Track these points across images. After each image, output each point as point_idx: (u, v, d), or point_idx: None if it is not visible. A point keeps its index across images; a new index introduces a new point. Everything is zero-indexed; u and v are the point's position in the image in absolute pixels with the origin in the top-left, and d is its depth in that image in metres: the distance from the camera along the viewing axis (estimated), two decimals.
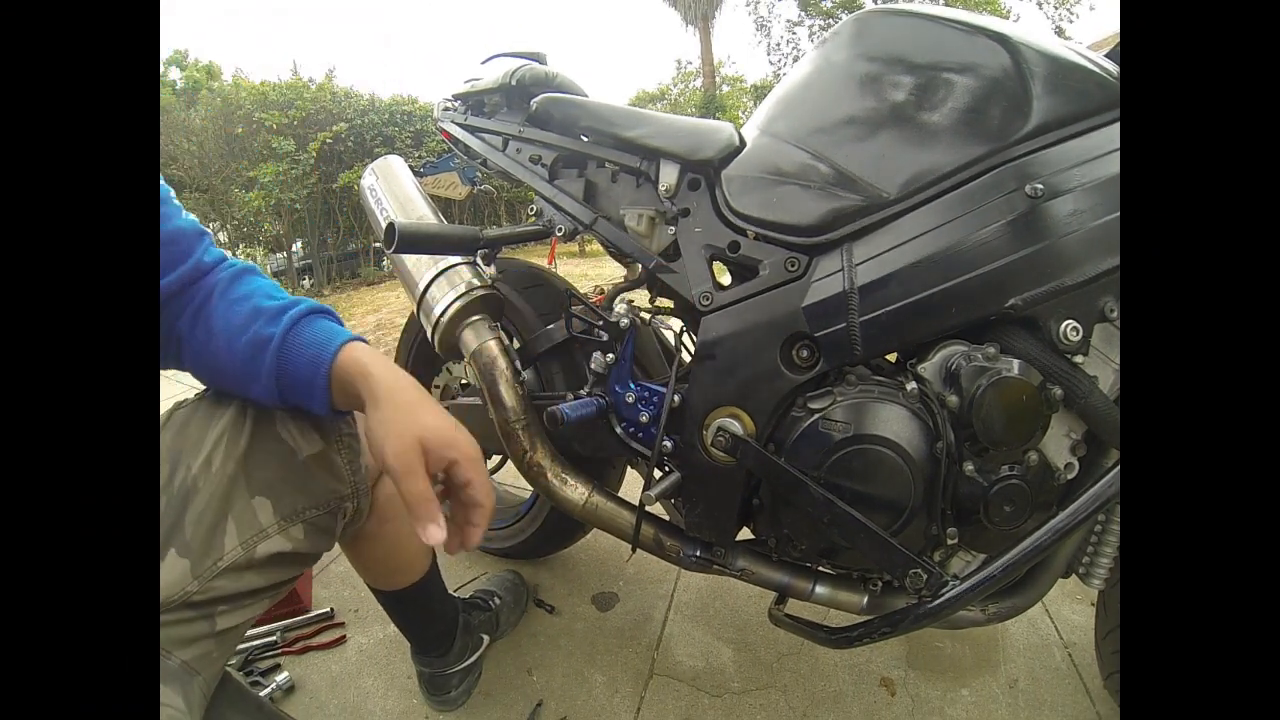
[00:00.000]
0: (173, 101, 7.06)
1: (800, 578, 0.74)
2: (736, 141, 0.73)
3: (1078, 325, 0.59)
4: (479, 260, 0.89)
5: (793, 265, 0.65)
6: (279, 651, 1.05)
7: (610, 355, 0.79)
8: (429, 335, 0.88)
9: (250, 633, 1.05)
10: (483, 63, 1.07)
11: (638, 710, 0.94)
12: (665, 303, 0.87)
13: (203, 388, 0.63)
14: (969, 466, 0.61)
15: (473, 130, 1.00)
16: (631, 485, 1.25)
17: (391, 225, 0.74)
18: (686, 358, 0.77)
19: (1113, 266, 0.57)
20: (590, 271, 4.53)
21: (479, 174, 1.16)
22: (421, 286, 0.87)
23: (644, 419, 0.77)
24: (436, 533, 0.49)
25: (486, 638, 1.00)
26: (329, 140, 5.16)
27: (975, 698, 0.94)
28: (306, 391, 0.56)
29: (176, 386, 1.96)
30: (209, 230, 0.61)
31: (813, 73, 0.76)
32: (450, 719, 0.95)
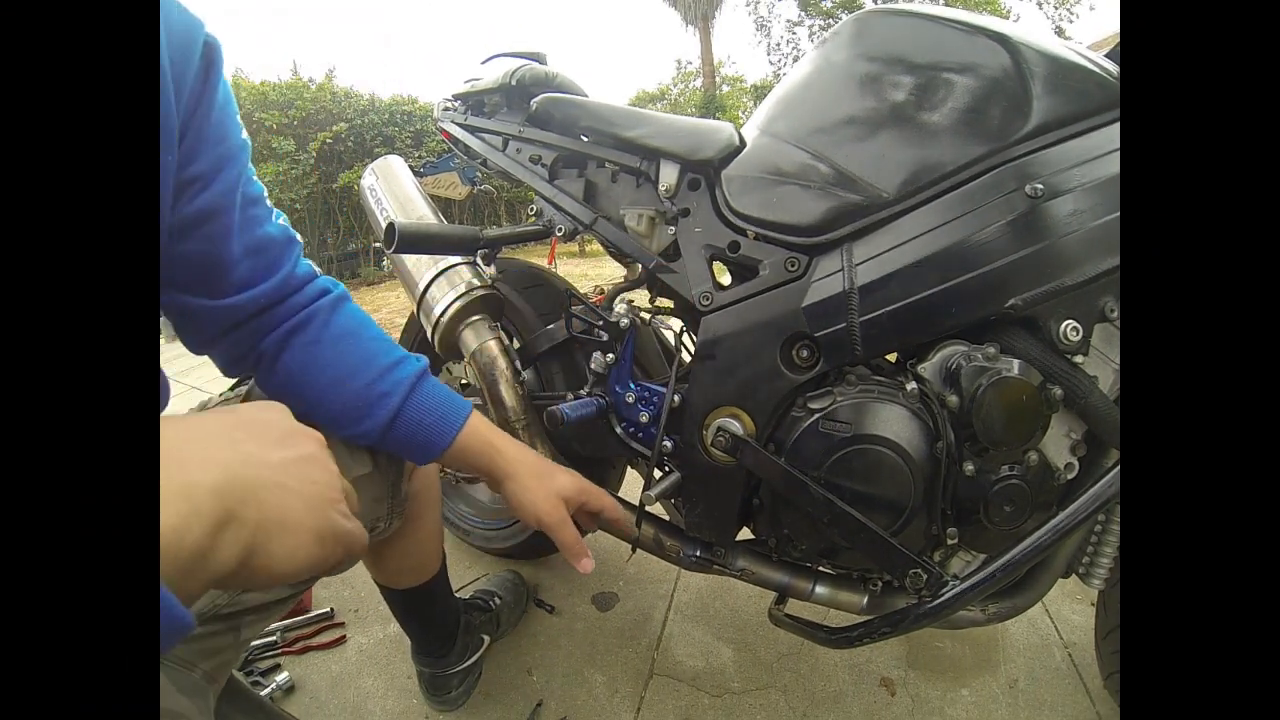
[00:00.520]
0: None
1: (800, 578, 0.74)
2: (736, 141, 0.73)
3: (1078, 325, 0.59)
4: (479, 260, 0.89)
5: (793, 265, 0.65)
6: (279, 651, 1.06)
7: (610, 355, 0.79)
8: (429, 335, 0.88)
9: None
10: (483, 63, 1.07)
11: (638, 710, 0.94)
12: (665, 303, 0.87)
13: (227, 389, 0.63)
14: (969, 466, 0.61)
15: (473, 130, 1.00)
16: (631, 485, 1.25)
17: (391, 225, 0.74)
18: (686, 358, 0.77)
19: (1113, 266, 0.57)
20: (590, 271, 4.53)
21: (479, 174, 1.16)
22: (421, 286, 0.88)
23: (644, 419, 0.77)
24: (589, 564, 0.62)
25: (487, 638, 1.00)
26: (329, 140, 5.15)
27: (975, 698, 0.94)
28: (418, 452, 0.60)
29: (177, 387, 1.95)
30: (298, 237, 0.60)
31: (813, 73, 0.76)
32: (450, 719, 0.95)
